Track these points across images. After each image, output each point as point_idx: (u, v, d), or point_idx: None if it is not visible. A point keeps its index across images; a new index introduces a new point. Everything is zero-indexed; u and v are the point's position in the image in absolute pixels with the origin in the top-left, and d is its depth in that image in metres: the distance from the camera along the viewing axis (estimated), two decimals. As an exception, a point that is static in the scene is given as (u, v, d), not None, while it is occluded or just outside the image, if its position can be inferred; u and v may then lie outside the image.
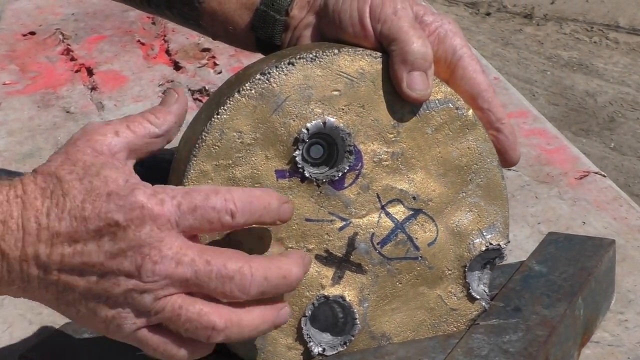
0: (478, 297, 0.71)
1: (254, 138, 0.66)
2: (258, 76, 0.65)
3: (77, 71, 1.37)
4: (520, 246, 0.91)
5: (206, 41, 1.44)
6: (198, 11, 0.81)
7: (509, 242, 0.72)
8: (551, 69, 3.53)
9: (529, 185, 1.02)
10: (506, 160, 0.72)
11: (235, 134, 0.65)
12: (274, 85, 0.65)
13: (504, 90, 1.25)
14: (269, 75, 0.65)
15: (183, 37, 1.47)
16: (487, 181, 0.71)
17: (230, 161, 0.66)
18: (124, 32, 1.50)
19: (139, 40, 1.47)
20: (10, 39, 1.49)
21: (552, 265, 0.77)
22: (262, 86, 0.65)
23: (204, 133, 0.65)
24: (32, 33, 1.52)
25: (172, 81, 1.32)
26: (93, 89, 1.32)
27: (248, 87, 0.65)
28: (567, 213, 0.97)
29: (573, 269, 0.76)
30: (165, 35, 1.49)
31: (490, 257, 0.72)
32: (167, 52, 1.43)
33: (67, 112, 1.25)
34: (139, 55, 1.42)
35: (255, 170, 0.66)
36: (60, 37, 1.49)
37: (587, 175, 1.03)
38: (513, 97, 1.23)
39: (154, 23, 1.53)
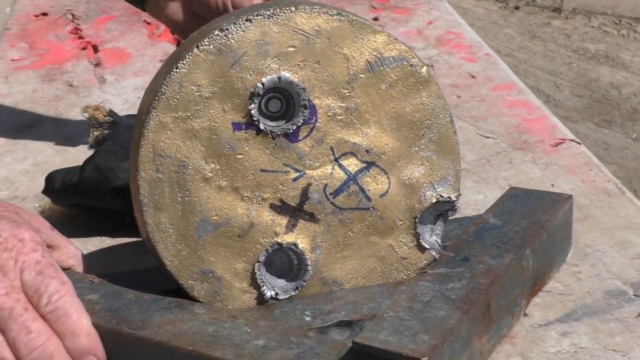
0: (428, 247, 0.75)
1: (212, 92, 0.69)
2: (216, 32, 0.68)
3: (83, 48, 1.42)
4: (489, 206, 0.94)
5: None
6: None
7: (459, 195, 0.75)
8: (577, 61, 3.52)
9: (505, 152, 1.05)
10: None
11: (193, 87, 0.68)
12: (232, 41, 0.68)
13: (492, 64, 1.28)
14: (227, 32, 0.68)
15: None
16: (439, 136, 0.73)
17: (189, 113, 0.69)
18: (132, 13, 1.55)
19: (145, 20, 1.52)
20: (23, 19, 1.55)
21: (507, 219, 0.80)
22: (220, 42, 0.68)
23: (163, 86, 0.68)
24: (44, 14, 1.58)
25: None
26: (97, 64, 1.37)
27: (206, 43, 0.68)
28: (538, 176, 0.99)
29: (526, 222, 0.79)
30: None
31: (443, 210, 0.75)
32: (172, 31, 1.47)
33: (70, 85, 1.29)
34: (144, 34, 1.47)
35: (212, 123, 0.69)
36: (70, 17, 1.55)
37: (562, 142, 1.06)
38: (501, 71, 1.26)
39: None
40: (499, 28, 3.97)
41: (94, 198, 0.91)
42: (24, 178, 1.05)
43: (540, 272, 0.79)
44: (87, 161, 0.92)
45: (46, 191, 0.93)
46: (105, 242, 0.90)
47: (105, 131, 0.93)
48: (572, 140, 1.06)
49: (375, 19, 1.46)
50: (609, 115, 3.12)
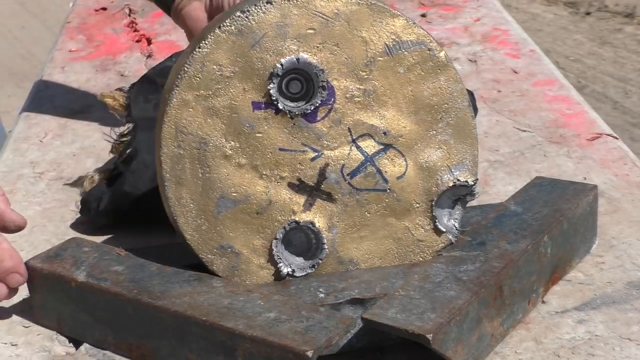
0: (445, 230, 0.75)
1: (233, 71, 0.71)
2: (238, 13, 0.70)
3: (137, 41, 1.47)
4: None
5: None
6: None
7: (477, 179, 0.75)
8: (648, 68, 3.47)
9: (540, 145, 1.05)
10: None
11: (215, 66, 0.71)
12: (252, 22, 0.70)
13: (536, 61, 1.28)
14: (248, 13, 0.70)
15: None
16: (457, 120, 0.74)
17: (210, 92, 0.71)
18: None
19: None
20: (83, 13, 1.61)
21: (528, 206, 0.80)
22: (241, 23, 0.70)
23: (186, 65, 0.71)
24: (104, 9, 1.64)
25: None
26: (149, 56, 1.41)
27: (228, 24, 0.70)
28: (571, 170, 0.99)
29: (547, 210, 0.79)
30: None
31: (461, 194, 0.76)
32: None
33: (122, 75, 1.34)
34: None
35: (233, 101, 0.71)
36: (128, 11, 1.60)
37: (599, 137, 1.05)
38: (545, 67, 1.25)
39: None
40: (569, 34, 3.93)
41: (128, 219, 0.92)
42: (70, 160, 1.09)
43: (560, 260, 0.79)
44: (117, 186, 0.91)
45: (83, 214, 0.93)
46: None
47: (125, 139, 0.94)
48: (609, 135, 1.05)
49: (424, 15, 1.46)
50: (679, 122, 3.06)
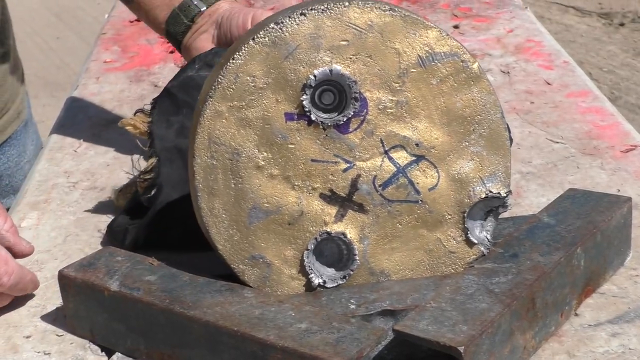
0: (477, 242, 0.75)
1: (266, 82, 0.71)
2: (272, 25, 0.71)
3: (171, 52, 1.48)
4: (551, 207, 0.94)
5: None
6: None
7: (510, 191, 0.75)
8: (682, 79, 3.45)
9: (573, 157, 1.04)
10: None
11: (248, 77, 0.71)
12: (286, 34, 0.71)
13: (570, 72, 1.27)
14: (281, 25, 0.71)
15: None
16: (489, 132, 0.74)
17: (244, 103, 0.71)
18: None
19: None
20: (118, 24, 1.63)
21: (561, 218, 0.80)
22: (275, 34, 0.71)
23: (220, 76, 0.71)
24: (138, 20, 1.64)
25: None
26: (183, 67, 1.41)
27: (262, 35, 0.71)
28: (605, 181, 0.98)
29: (580, 222, 0.79)
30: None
31: (493, 206, 0.75)
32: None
33: (155, 85, 1.35)
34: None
35: (266, 112, 0.72)
36: None
37: (633, 149, 1.04)
38: (578, 79, 1.25)
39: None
40: (602, 45, 3.91)
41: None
42: (104, 170, 1.10)
43: (593, 272, 0.78)
44: (142, 222, 0.90)
45: (109, 241, 0.93)
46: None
47: (149, 176, 0.93)
48: (643, 147, 1.04)
49: (456, 26, 1.46)
50: None
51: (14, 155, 1.25)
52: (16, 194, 1.13)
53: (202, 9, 1.04)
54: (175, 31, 1.06)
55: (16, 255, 0.85)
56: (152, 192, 0.91)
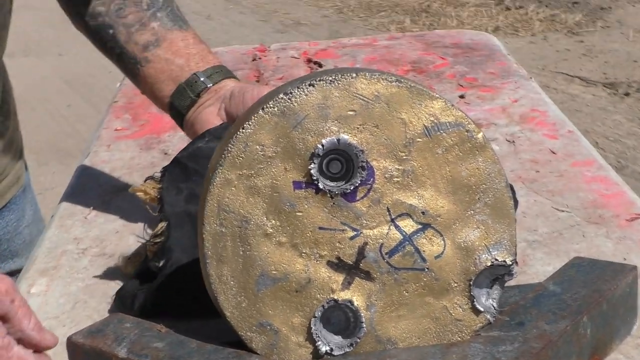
0: (483, 310, 0.76)
1: (275, 151, 0.73)
2: (281, 95, 0.72)
3: None
4: (557, 274, 0.94)
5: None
6: (137, 70, 1.09)
7: (515, 259, 0.76)
8: (689, 149, 3.48)
9: (578, 225, 1.05)
10: None
11: (258, 146, 0.72)
12: (295, 104, 0.72)
13: (575, 141, 1.28)
14: (290, 95, 0.72)
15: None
16: (494, 200, 0.75)
17: (253, 171, 0.73)
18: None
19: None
20: (130, 93, 1.66)
21: (567, 286, 0.80)
22: (284, 105, 0.72)
23: (229, 144, 0.73)
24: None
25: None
26: None
27: (271, 105, 0.72)
28: (610, 250, 0.99)
29: (586, 291, 0.79)
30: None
31: (499, 274, 0.76)
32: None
33: (165, 153, 1.37)
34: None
35: (274, 181, 0.73)
36: None
37: (638, 217, 1.05)
38: (583, 148, 1.26)
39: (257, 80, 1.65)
40: (607, 114, 3.95)
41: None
42: (113, 237, 1.11)
43: (600, 341, 0.78)
44: (151, 287, 0.91)
45: (118, 309, 0.93)
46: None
47: (159, 239, 0.94)
48: (649, 216, 1.05)
49: (462, 96, 1.48)
50: None
51: (13, 220, 1.27)
52: (14, 259, 1.14)
53: (208, 85, 1.07)
54: (180, 105, 1.08)
55: (41, 350, 0.82)
56: (162, 262, 0.92)
